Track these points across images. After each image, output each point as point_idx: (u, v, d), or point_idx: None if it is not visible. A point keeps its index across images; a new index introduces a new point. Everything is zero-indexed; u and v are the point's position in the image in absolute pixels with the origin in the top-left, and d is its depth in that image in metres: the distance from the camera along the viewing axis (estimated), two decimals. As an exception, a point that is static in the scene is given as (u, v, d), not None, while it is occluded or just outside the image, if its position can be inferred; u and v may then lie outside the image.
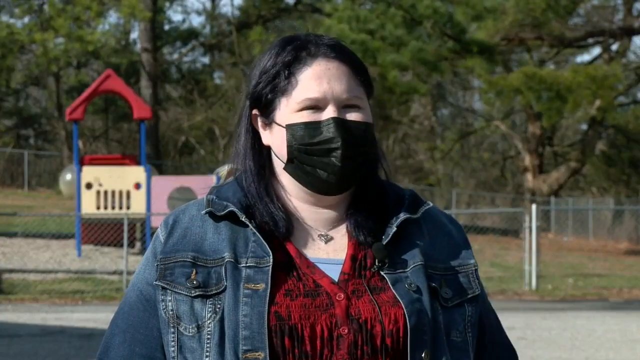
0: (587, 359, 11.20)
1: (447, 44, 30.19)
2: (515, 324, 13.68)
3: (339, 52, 2.05)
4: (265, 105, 2.06)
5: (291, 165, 2.04)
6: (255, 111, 2.09)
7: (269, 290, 1.94)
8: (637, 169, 38.52)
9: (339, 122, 2.00)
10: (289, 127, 2.02)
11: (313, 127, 2.01)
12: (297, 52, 2.04)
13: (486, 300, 2.16)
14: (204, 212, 2.06)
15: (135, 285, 2.09)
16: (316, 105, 2.02)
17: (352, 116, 2.02)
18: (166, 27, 42.24)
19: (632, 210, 33.59)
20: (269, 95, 2.05)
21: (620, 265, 25.71)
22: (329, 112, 2.01)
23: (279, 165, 2.07)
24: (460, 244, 2.12)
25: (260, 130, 2.09)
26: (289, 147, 2.02)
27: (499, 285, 19.93)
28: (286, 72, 2.03)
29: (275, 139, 2.06)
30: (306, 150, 2.01)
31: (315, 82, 2.01)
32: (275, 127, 2.05)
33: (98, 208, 19.28)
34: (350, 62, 2.05)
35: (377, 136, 2.12)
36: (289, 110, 2.02)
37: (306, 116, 2.01)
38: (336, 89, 2.02)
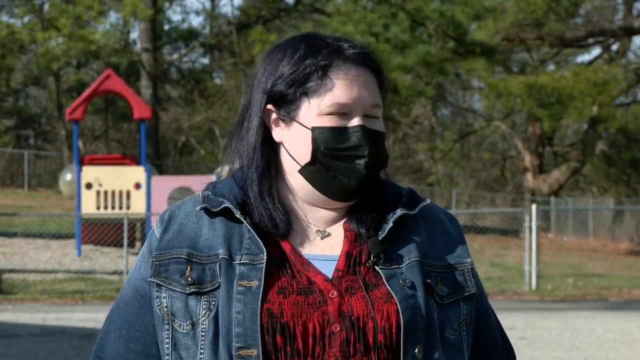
0: (587, 359, 11.20)
1: (449, 45, 30.20)
2: (515, 324, 13.68)
3: (369, 59, 2.06)
4: (287, 102, 2.04)
5: (311, 167, 2.03)
6: (270, 106, 2.07)
7: (262, 287, 1.94)
8: (637, 169, 38.52)
9: (367, 131, 2.01)
10: (316, 130, 2.01)
11: (341, 132, 2.01)
12: (331, 55, 2.03)
13: (485, 300, 2.16)
14: (199, 208, 2.05)
15: (131, 282, 2.09)
16: (343, 111, 2.02)
17: (374, 126, 2.04)
18: (166, 27, 42.25)
19: (632, 210, 33.59)
20: (297, 94, 2.03)
21: (620, 265, 25.71)
22: (357, 120, 2.02)
23: (289, 164, 2.06)
24: (457, 242, 2.11)
25: (273, 126, 2.07)
26: (315, 149, 2.01)
27: (499, 285, 19.92)
28: (319, 73, 2.02)
29: (293, 139, 2.04)
30: (331, 155, 2.01)
31: (347, 87, 2.01)
32: (295, 126, 2.04)
33: (98, 208, 19.28)
34: (377, 71, 2.06)
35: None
36: (316, 112, 2.01)
37: (334, 121, 2.01)
38: (364, 96, 2.02)
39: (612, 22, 35.95)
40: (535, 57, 37.85)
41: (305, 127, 2.02)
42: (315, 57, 2.03)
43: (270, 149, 2.07)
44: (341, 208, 2.07)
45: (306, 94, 2.02)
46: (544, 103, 29.43)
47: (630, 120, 35.57)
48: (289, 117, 2.04)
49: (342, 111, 2.01)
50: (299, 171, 2.04)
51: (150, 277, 2.03)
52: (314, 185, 2.04)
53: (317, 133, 2.01)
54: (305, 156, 2.03)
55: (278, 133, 2.06)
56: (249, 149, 2.08)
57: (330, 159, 2.01)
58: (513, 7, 30.72)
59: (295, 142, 2.04)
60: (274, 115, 2.06)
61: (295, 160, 2.04)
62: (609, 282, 21.31)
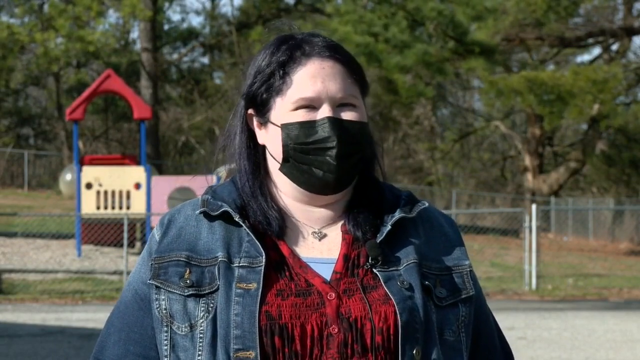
0: (587, 359, 11.20)
1: (449, 44, 30.20)
2: (515, 324, 13.68)
3: (333, 51, 2.05)
4: (260, 104, 2.07)
5: (287, 164, 2.04)
6: (250, 111, 2.09)
7: (260, 290, 1.96)
8: (637, 169, 38.50)
9: (334, 121, 2.01)
10: (284, 127, 2.03)
11: (308, 126, 2.01)
12: (291, 51, 2.04)
13: (484, 303, 2.16)
14: (198, 212, 2.07)
15: (131, 284, 2.10)
16: (311, 105, 2.02)
17: (347, 115, 2.03)
18: (166, 27, 42.25)
19: (633, 210, 33.58)
20: (264, 95, 2.05)
21: (620, 265, 25.70)
22: (324, 112, 2.01)
23: (273, 164, 2.08)
24: (455, 244, 2.12)
25: (256, 129, 2.10)
26: (285, 146, 2.03)
27: (499, 285, 19.92)
28: (281, 71, 2.03)
29: (270, 139, 2.06)
30: (302, 150, 2.02)
31: (310, 81, 2.02)
32: (270, 127, 2.06)
33: (98, 208, 19.28)
34: (344, 61, 2.05)
35: (378, 135, 2.12)
36: (284, 110, 2.03)
37: (301, 115, 2.02)
38: (331, 88, 2.02)
39: (612, 22, 35.94)
40: (535, 57, 37.84)
41: (276, 125, 2.04)
42: (277, 54, 2.05)
43: (257, 151, 2.10)
44: (333, 204, 2.08)
45: (273, 93, 2.05)
46: (544, 100, 29.42)
47: (630, 120, 35.55)
48: (264, 119, 2.07)
49: (309, 105, 2.02)
50: (279, 169, 2.06)
51: (150, 280, 2.05)
52: (294, 182, 2.05)
53: (286, 130, 2.02)
54: (281, 154, 2.04)
55: (261, 136, 2.09)
56: (236, 154, 2.11)
57: (301, 154, 2.02)
58: (513, 7, 30.72)
59: (272, 142, 2.06)
60: (255, 120, 2.09)
61: (275, 159, 2.06)
62: (609, 282, 21.30)
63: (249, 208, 2.05)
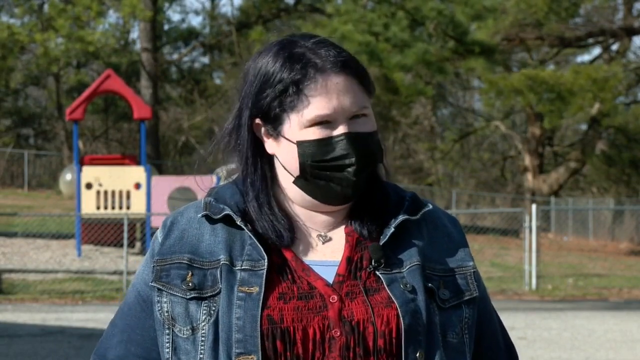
0: (587, 359, 11.20)
1: (449, 44, 30.19)
2: (515, 324, 13.68)
3: (344, 64, 2.03)
4: (273, 118, 2.03)
5: (302, 180, 2.03)
6: (258, 120, 2.06)
7: (262, 293, 1.95)
8: (637, 169, 38.48)
9: (351, 137, 2.00)
10: (300, 144, 2.01)
11: (325, 143, 2.00)
12: (305, 68, 2.01)
13: (488, 302, 2.16)
14: (200, 215, 2.06)
15: (135, 286, 2.11)
16: (326, 121, 2.00)
17: (361, 126, 2.02)
18: (166, 27, 42.25)
19: (633, 210, 33.58)
20: (277, 110, 2.02)
21: (620, 265, 25.71)
22: (341, 128, 2.00)
23: (284, 174, 2.06)
24: (459, 246, 2.11)
25: (264, 138, 2.07)
26: (302, 164, 2.01)
27: (499, 285, 19.93)
28: (294, 88, 2.00)
29: (283, 153, 2.04)
30: (319, 167, 2.00)
31: (325, 98, 1.99)
32: (283, 142, 2.03)
33: (98, 208, 19.28)
34: (355, 73, 2.03)
35: (380, 135, 2.11)
36: (299, 127, 2.01)
37: (317, 132, 2.00)
38: (345, 103, 2.00)
39: (612, 22, 35.93)
40: (535, 57, 37.84)
41: (291, 141, 2.02)
42: (289, 71, 2.01)
43: (264, 160, 2.07)
44: (340, 210, 2.07)
45: (286, 109, 2.01)
46: (545, 99, 29.40)
47: (631, 120, 35.54)
48: (275, 132, 2.04)
49: (325, 120, 2.00)
50: (293, 182, 2.04)
51: (152, 282, 2.05)
52: (309, 194, 2.04)
53: (302, 147, 2.00)
54: (296, 169, 2.03)
55: (270, 146, 2.06)
56: (243, 162, 2.08)
57: (319, 171, 2.01)
58: (513, 7, 30.72)
59: (285, 156, 2.04)
60: (263, 129, 2.06)
61: (289, 172, 2.04)
62: (609, 282, 21.31)
63: (257, 222, 2.03)
